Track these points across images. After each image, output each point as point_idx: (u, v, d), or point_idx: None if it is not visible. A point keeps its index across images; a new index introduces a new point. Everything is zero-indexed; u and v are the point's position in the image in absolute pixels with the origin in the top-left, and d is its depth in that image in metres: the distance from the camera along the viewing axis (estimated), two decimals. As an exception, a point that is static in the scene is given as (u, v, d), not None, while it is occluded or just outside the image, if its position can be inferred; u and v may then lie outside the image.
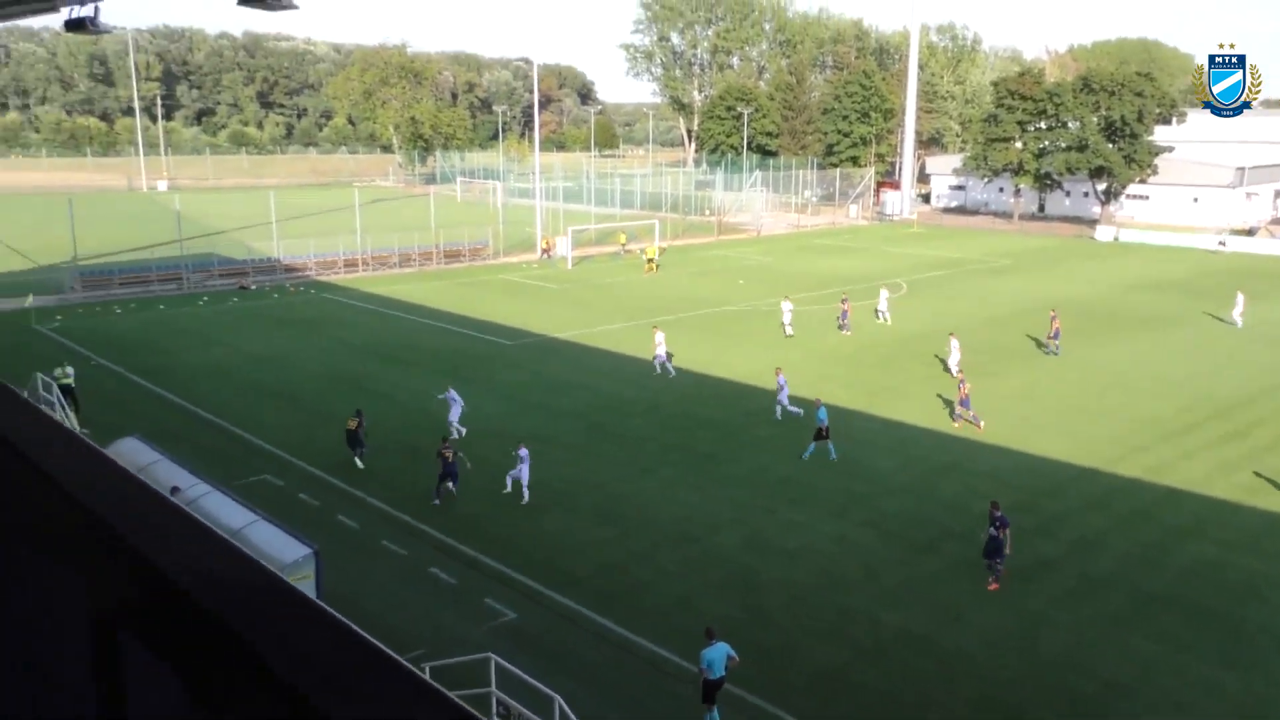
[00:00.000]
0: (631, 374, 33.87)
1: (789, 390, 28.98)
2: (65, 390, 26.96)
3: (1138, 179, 79.25)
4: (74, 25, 24.36)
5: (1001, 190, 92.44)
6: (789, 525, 21.84)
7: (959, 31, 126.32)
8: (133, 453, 20.21)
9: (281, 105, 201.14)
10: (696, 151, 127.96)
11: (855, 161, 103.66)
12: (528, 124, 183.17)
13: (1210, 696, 15.76)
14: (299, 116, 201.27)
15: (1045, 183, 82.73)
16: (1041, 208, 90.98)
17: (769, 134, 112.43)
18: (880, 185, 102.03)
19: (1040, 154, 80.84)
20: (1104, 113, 77.72)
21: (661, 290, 51.42)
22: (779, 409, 28.90)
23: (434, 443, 24.13)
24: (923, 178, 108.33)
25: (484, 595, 18.48)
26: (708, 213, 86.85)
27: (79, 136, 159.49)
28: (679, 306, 46.42)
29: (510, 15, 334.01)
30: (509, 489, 23.04)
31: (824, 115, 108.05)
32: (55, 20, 38.49)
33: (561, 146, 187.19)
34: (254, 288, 51.30)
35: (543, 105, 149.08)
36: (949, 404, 29.96)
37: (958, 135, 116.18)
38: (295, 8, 19.47)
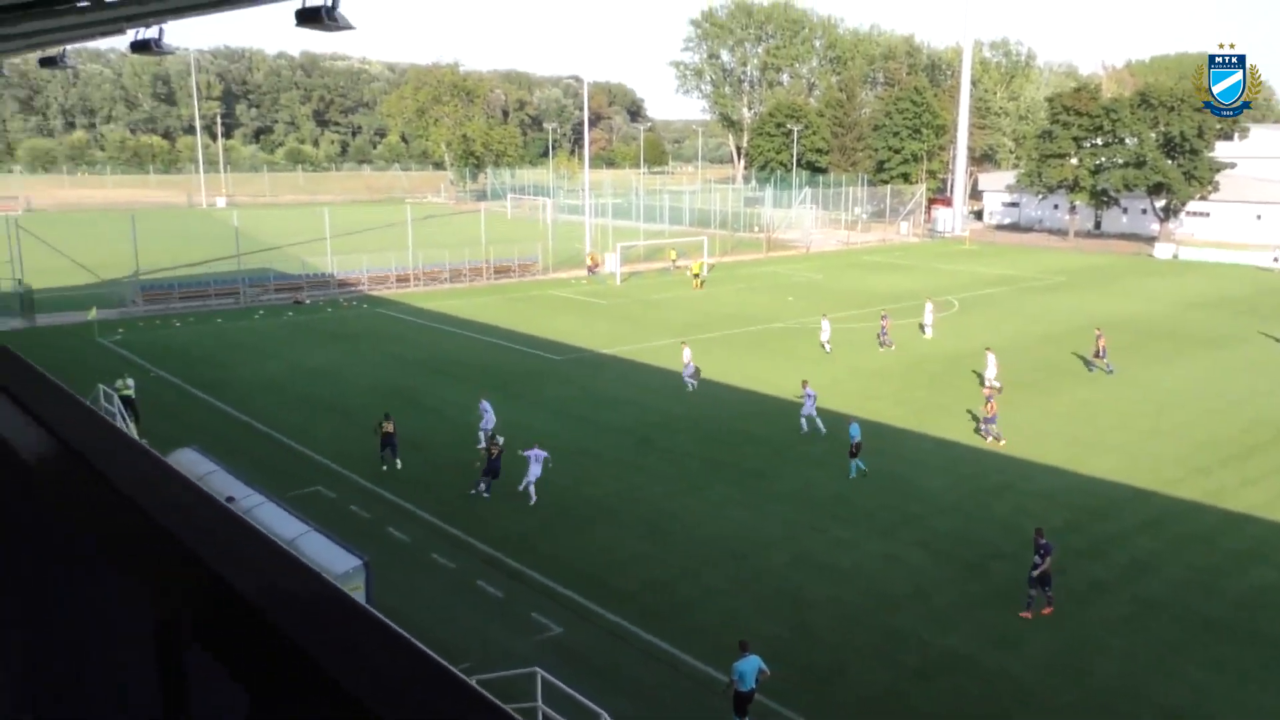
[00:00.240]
0: (679, 390, 33.86)
1: (816, 403, 28.93)
2: (126, 401, 27.54)
3: (1198, 195, 77.63)
4: (139, 46, 24.97)
5: (1056, 207, 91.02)
6: (838, 543, 21.65)
7: (1012, 47, 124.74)
8: (190, 463, 20.61)
9: (337, 123, 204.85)
10: (746, 168, 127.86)
11: (906, 178, 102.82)
12: (578, 141, 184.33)
13: (1273, 727, 15.30)
14: (354, 134, 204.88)
15: (1102, 199, 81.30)
16: (1098, 225, 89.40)
17: (819, 150, 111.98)
18: (932, 202, 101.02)
19: (1096, 170, 79.44)
20: (1163, 129, 76.27)
21: (710, 306, 51.36)
22: (804, 421, 28.84)
23: (483, 457, 24.49)
24: (975, 194, 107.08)
25: (531, 609, 18.54)
26: (756, 229, 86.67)
27: (142, 154, 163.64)
28: (727, 323, 46.33)
29: (561, 34, 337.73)
30: (534, 499, 23.44)
31: (875, 132, 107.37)
32: (121, 42, 39.57)
33: (611, 163, 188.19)
34: (308, 302, 52.17)
35: (592, 122, 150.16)
36: (976, 419, 29.65)
37: (1011, 152, 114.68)
38: (352, 28, 19.81)
